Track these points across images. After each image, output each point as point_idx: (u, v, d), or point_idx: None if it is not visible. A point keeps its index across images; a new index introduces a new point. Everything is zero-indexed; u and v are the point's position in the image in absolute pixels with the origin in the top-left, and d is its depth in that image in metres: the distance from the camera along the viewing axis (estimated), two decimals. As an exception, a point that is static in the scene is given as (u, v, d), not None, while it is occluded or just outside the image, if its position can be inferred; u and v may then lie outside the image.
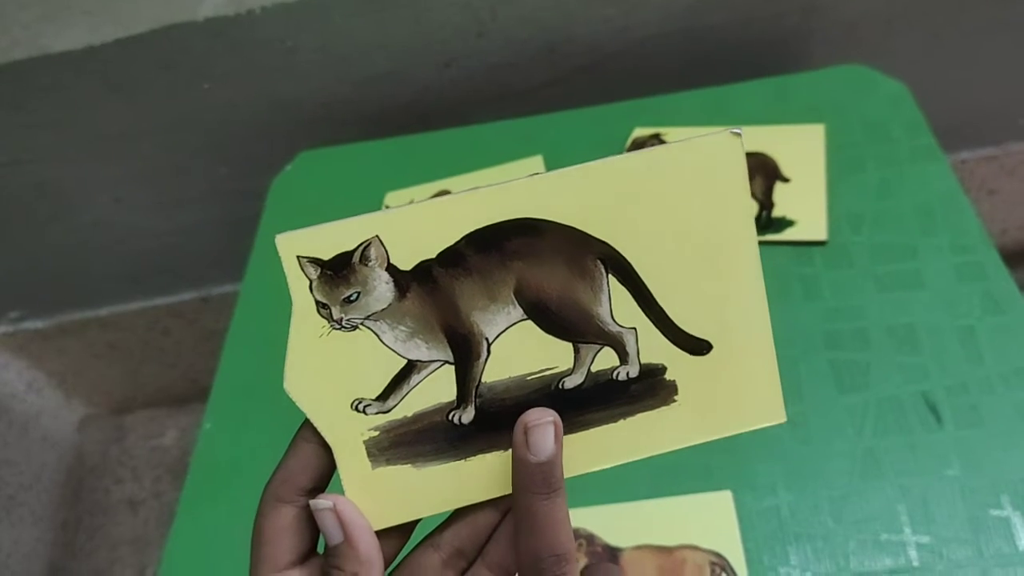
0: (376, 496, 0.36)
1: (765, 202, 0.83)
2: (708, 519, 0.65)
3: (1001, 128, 1.27)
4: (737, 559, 0.63)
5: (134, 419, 1.68)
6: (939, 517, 0.63)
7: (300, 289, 0.35)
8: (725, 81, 0.95)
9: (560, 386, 0.36)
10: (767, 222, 0.81)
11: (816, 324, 0.75)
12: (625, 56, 1.05)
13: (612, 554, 0.64)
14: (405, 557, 0.37)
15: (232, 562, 0.73)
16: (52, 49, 0.97)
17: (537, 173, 0.35)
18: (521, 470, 0.34)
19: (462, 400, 0.36)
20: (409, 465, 0.36)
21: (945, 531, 0.62)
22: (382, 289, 0.35)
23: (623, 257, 0.35)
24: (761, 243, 0.78)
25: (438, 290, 0.35)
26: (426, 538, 0.37)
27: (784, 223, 0.81)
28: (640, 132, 0.91)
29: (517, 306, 0.35)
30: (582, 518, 0.66)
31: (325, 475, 0.36)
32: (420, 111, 1.08)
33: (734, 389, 0.37)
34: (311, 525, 0.35)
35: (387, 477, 0.36)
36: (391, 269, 0.35)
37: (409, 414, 0.36)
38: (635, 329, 0.36)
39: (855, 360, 0.72)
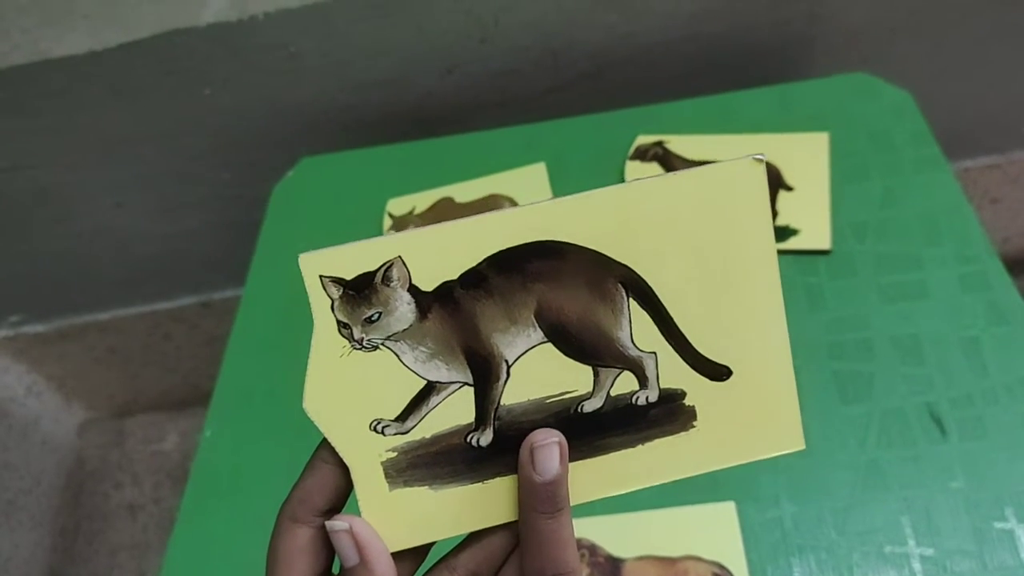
0: (393, 518, 0.36)
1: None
2: (711, 530, 0.65)
3: (1004, 136, 1.27)
4: (740, 570, 0.62)
5: (134, 423, 1.68)
6: (943, 529, 0.63)
7: (322, 308, 0.35)
8: (728, 89, 0.95)
9: (579, 410, 0.36)
10: (770, 231, 0.81)
11: (820, 334, 0.74)
12: (628, 63, 1.04)
13: (615, 564, 0.64)
14: None
15: (232, 568, 0.73)
16: (53, 54, 0.97)
17: (559, 197, 0.35)
18: (527, 489, 0.34)
19: (480, 422, 0.36)
20: (426, 487, 0.36)
21: (949, 543, 0.62)
22: (403, 310, 0.35)
23: (644, 281, 0.35)
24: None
25: (459, 311, 0.35)
26: (441, 560, 0.36)
27: (788, 232, 0.81)
28: (643, 139, 0.91)
29: (537, 329, 0.35)
30: (585, 528, 0.66)
31: (342, 496, 0.36)
32: (422, 117, 1.08)
33: (753, 416, 0.37)
34: (327, 546, 0.35)
35: (404, 499, 0.36)
36: (413, 290, 0.35)
37: (427, 436, 0.35)
38: (655, 354, 0.36)
39: (859, 371, 0.71)
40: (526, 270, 0.35)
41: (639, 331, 0.36)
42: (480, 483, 0.36)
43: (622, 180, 0.88)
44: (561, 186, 0.91)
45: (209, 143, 1.11)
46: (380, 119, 1.08)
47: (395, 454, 0.35)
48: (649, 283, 0.35)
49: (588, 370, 0.36)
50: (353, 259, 0.34)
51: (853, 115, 0.89)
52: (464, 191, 0.93)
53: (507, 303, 0.35)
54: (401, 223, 0.91)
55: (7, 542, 1.40)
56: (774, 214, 0.82)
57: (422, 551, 0.37)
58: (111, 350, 1.47)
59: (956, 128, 1.17)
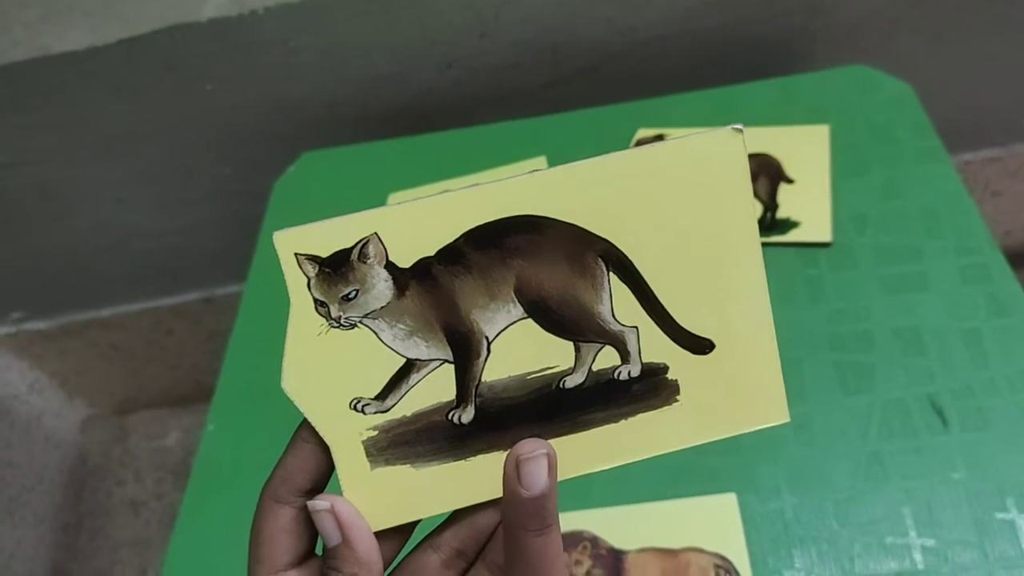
0: (375, 496, 0.35)
1: (769, 203, 0.82)
2: (713, 522, 0.65)
3: (1005, 129, 1.27)
4: (741, 562, 0.63)
5: (136, 420, 1.68)
6: (944, 520, 0.63)
7: (298, 287, 0.34)
8: (729, 82, 0.95)
9: (561, 385, 0.35)
10: (771, 223, 0.81)
11: (820, 326, 0.74)
12: (628, 57, 1.04)
13: (617, 557, 0.64)
14: (404, 558, 0.36)
15: (234, 564, 0.73)
16: (54, 50, 0.97)
17: (537, 170, 0.34)
18: (512, 505, 0.33)
19: (461, 400, 0.35)
20: (408, 465, 0.35)
21: (950, 534, 0.62)
22: (381, 287, 0.34)
23: (624, 255, 0.35)
24: (765, 244, 0.78)
25: (437, 288, 0.35)
26: (425, 539, 0.36)
27: (788, 224, 0.81)
28: (643, 133, 0.91)
29: (517, 304, 0.35)
30: (586, 521, 0.66)
31: (324, 476, 0.35)
32: (423, 112, 1.08)
33: (737, 389, 0.36)
34: (309, 526, 0.34)
35: (386, 477, 0.35)
36: (390, 267, 0.34)
37: (408, 414, 0.35)
38: (636, 328, 0.36)
39: (860, 362, 0.71)
40: (504, 245, 0.34)
41: (620, 305, 0.35)
42: (463, 460, 0.35)
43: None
44: (562, 180, 0.91)
45: (210, 138, 1.11)
46: (381, 114, 1.08)
47: (376, 433, 0.35)
48: (630, 257, 0.35)
49: (569, 345, 0.35)
50: (329, 236, 0.34)
51: (854, 107, 0.89)
52: (465, 185, 0.92)
53: (486, 279, 0.35)
54: (402, 217, 0.91)
55: (10, 538, 1.40)
56: (775, 206, 0.82)
57: (406, 530, 0.36)
58: (113, 346, 1.48)
59: (957, 121, 1.16)
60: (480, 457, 0.35)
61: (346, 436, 0.35)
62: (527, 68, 1.05)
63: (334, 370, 0.35)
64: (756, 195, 0.83)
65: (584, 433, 0.36)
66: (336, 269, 0.34)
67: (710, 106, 0.93)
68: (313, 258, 0.34)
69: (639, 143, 0.90)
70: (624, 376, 0.36)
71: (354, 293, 0.34)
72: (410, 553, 0.36)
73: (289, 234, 0.34)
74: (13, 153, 1.09)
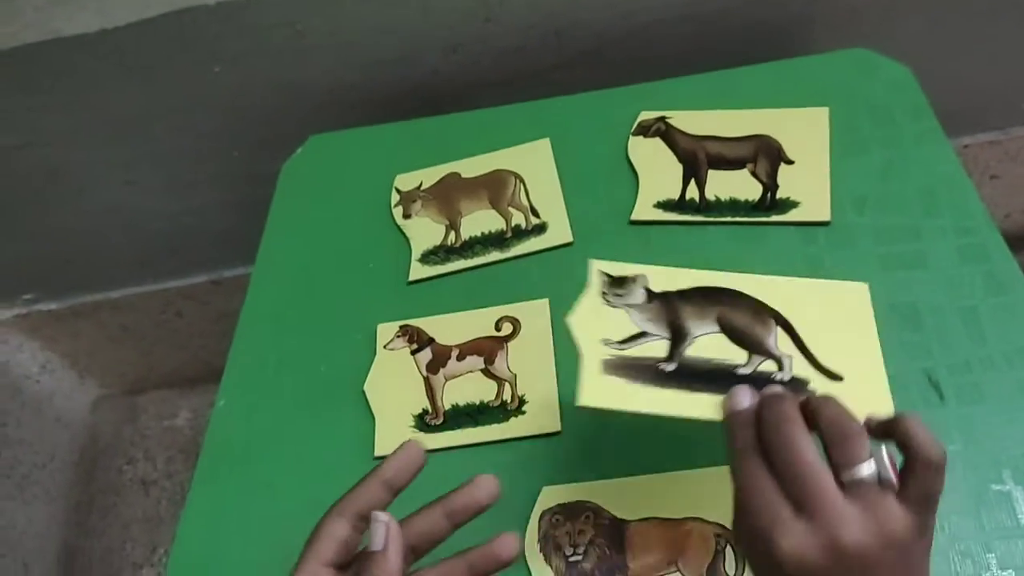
0: (603, 389, 0.58)
1: (769, 184, 0.83)
2: (714, 493, 0.65)
3: (1004, 113, 1.27)
4: None
5: (147, 400, 1.70)
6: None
7: (595, 284, 0.63)
8: (729, 65, 0.96)
9: (735, 371, 0.59)
10: (771, 203, 0.82)
11: (819, 303, 0.75)
12: (630, 41, 1.05)
13: (619, 526, 0.66)
14: None
15: (244, 539, 0.75)
16: (64, 32, 0.98)
17: (744, 274, 0.64)
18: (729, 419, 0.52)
19: (670, 359, 0.60)
20: (625, 380, 0.59)
21: (946, 505, 0.62)
22: (638, 294, 0.62)
23: (787, 320, 0.62)
24: (765, 224, 0.79)
25: (670, 304, 0.62)
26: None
27: (788, 204, 0.82)
28: (646, 115, 0.92)
29: (715, 324, 0.61)
30: (590, 492, 0.68)
31: (378, 510, 0.45)
32: (428, 95, 1.09)
33: (856, 407, 0.49)
34: (353, 541, 0.45)
35: (609, 381, 0.59)
36: (647, 289, 0.63)
37: (636, 356, 0.60)
38: (791, 356, 0.60)
39: (858, 338, 0.72)
40: (714, 297, 0.63)
41: (782, 345, 0.61)
42: (658, 388, 0.58)
43: (626, 155, 0.90)
44: (566, 161, 0.92)
45: (219, 121, 1.12)
46: (387, 97, 1.09)
47: (613, 358, 0.60)
48: (791, 322, 0.61)
49: (745, 353, 0.60)
50: (623, 269, 0.64)
51: (853, 90, 0.90)
52: (470, 166, 0.94)
53: (700, 309, 0.62)
54: (408, 198, 0.93)
55: (22, 516, 1.42)
56: (775, 187, 0.83)
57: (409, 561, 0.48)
58: (123, 328, 1.49)
59: (956, 105, 1.17)
60: (669, 390, 0.58)
61: (596, 355, 0.60)
62: (531, 52, 1.06)
63: (604, 325, 0.61)
64: (756, 176, 0.85)
65: None
66: (619, 281, 0.63)
67: (711, 89, 0.94)
68: (607, 274, 0.64)
69: (641, 125, 0.91)
70: (779, 379, 0.59)
71: (623, 293, 0.62)
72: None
73: (601, 263, 0.64)
74: (24, 135, 1.11)
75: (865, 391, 0.57)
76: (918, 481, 0.46)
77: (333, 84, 1.08)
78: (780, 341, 0.61)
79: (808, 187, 0.83)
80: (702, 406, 0.56)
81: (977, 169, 1.34)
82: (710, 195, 0.84)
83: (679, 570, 0.64)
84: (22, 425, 1.46)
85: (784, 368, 0.59)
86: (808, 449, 0.45)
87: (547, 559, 0.65)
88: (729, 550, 0.63)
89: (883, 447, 0.46)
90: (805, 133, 0.87)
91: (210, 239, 1.32)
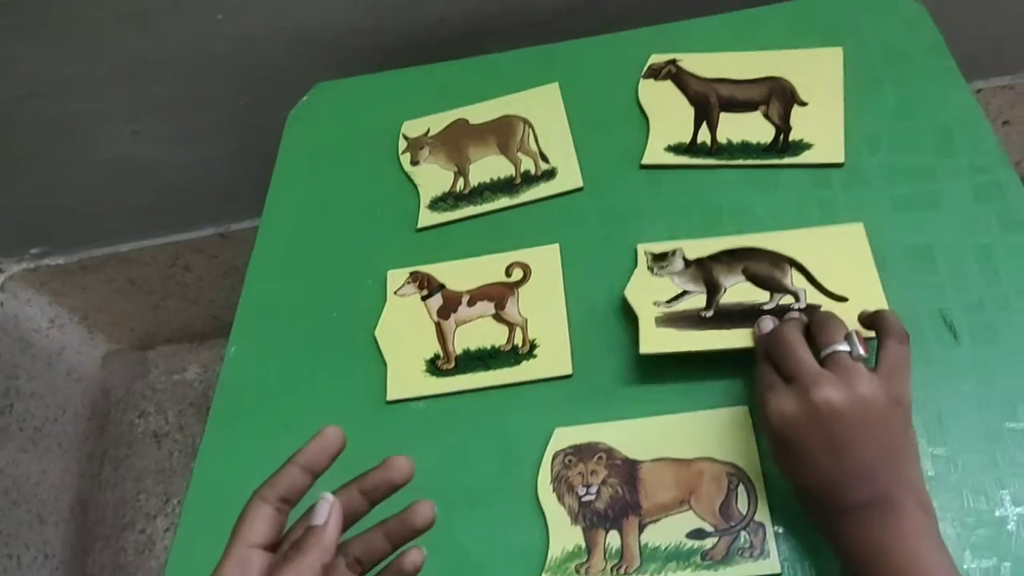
0: (658, 338, 0.70)
1: (782, 126, 0.83)
2: (725, 433, 0.66)
3: (1017, 57, 1.26)
4: (754, 471, 0.64)
5: (156, 354, 1.71)
6: (954, 429, 0.64)
7: (644, 264, 0.76)
8: (741, 6, 0.94)
9: (760, 308, 0.70)
10: (784, 146, 0.81)
11: (833, 245, 0.75)
12: (640, -17, 1.04)
13: (631, 466, 0.66)
14: None
15: (256, 481, 0.74)
16: (64, -21, 0.96)
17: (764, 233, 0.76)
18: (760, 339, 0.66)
19: (708, 306, 0.71)
20: (675, 329, 0.70)
21: (960, 443, 0.63)
22: (678, 263, 0.74)
23: (802, 264, 0.72)
24: (778, 167, 0.79)
25: (704, 267, 0.74)
26: (339, 547, 0.49)
27: (801, 146, 0.81)
28: (656, 58, 0.91)
29: (741, 275, 0.73)
30: (602, 433, 0.68)
31: (297, 496, 0.48)
32: (436, 40, 1.08)
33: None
34: (278, 525, 0.47)
35: (663, 332, 0.70)
36: (684, 259, 0.75)
37: (681, 309, 0.72)
38: (805, 290, 0.71)
39: (871, 278, 0.72)
40: (739, 255, 0.74)
41: (797, 282, 0.71)
42: (701, 331, 0.70)
43: (636, 99, 0.89)
44: (575, 106, 0.91)
45: (223, 69, 1.11)
46: (394, 43, 1.08)
47: (663, 314, 0.71)
48: (805, 265, 0.72)
49: (767, 293, 0.71)
50: (661, 247, 0.76)
51: (867, 29, 0.89)
52: (478, 112, 0.93)
53: (727, 266, 0.73)
54: (416, 145, 0.92)
55: (36, 468, 1.44)
56: (788, 129, 0.82)
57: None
58: (132, 282, 1.49)
59: (968, 49, 1.15)
60: (710, 331, 0.70)
61: (651, 313, 0.71)
62: (539, -5, 1.04)
63: (653, 291, 0.73)
64: (768, 118, 0.84)
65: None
66: (661, 256, 0.75)
67: (723, 31, 0.93)
68: (651, 252, 0.76)
69: (651, 68, 0.90)
70: (796, 307, 0.70)
71: (665, 264, 0.74)
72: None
73: (646, 245, 0.77)
74: (27, 84, 1.10)
75: (865, 305, 0.67)
76: (887, 353, 0.59)
77: (339, 30, 1.06)
78: (795, 279, 0.72)
79: (821, 129, 0.82)
80: (738, 338, 0.68)
81: (989, 115, 1.32)
82: (722, 138, 0.84)
83: (691, 508, 0.64)
84: (33, 378, 1.47)
85: (800, 300, 0.70)
86: (796, 341, 0.60)
87: (560, 498, 0.66)
88: (741, 489, 0.64)
89: (855, 332, 0.59)
90: (818, 74, 0.85)
91: (217, 191, 1.32)
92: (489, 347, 0.76)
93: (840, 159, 0.79)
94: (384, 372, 0.76)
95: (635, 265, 0.76)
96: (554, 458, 0.68)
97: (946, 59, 0.85)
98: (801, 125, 0.82)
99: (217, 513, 0.73)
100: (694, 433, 0.67)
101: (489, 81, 0.96)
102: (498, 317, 0.78)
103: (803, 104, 0.84)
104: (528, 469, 0.68)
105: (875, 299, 0.69)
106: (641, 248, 0.77)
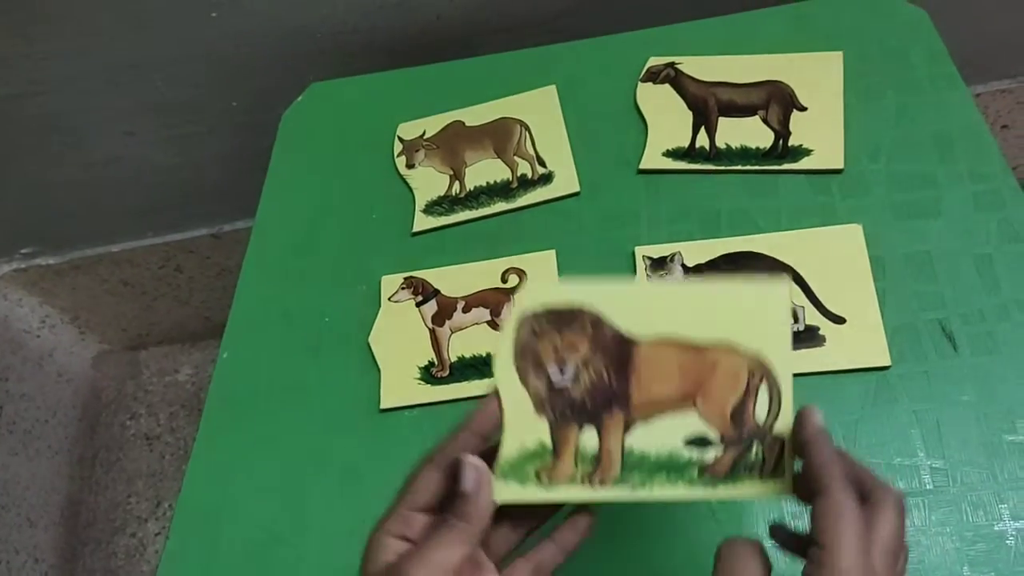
0: None
1: (781, 131, 0.82)
2: (756, 314, 0.49)
3: (1016, 61, 1.25)
4: (783, 368, 0.48)
5: (148, 355, 1.69)
6: (953, 442, 0.63)
7: (641, 269, 0.75)
8: (741, 9, 0.94)
9: None
10: (783, 151, 0.81)
11: (832, 252, 0.74)
12: (638, -15, 1.03)
13: (624, 345, 0.49)
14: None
15: (249, 490, 0.74)
16: (58, -22, 0.95)
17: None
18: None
19: None
20: None
21: (959, 455, 0.63)
22: (677, 272, 0.74)
23: (799, 273, 0.72)
24: (777, 172, 0.79)
25: (702, 275, 0.73)
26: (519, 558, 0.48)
27: (800, 152, 0.80)
28: (655, 61, 0.90)
29: None
30: (592, 295, 0.49)
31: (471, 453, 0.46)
32: (431, 41, 1.07)
33: (858, 343, 0.68)
34: (444, 489, 0.45)
35: None
36: (683, 265, 0.74)
37: None
38: (804, 307, 0.70)
39: (871, 287, 0.72)
40: (739, 262, 0.73)
41: (796, 298, 0.70)
42: None
43: (634, 102, 0.88)
44: (572, 109, 0.90)
45: (217, 69, 1.10)
46: (389, 43, 1.07)
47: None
48: (803, 276, 0.71)
49: None
50: (658, 250, 0.76)
51: (868, 34, 0.88)
52: (475, 115, 0.92)
53: (727, 275, 0.70)
54: (411, 147, 0.91)
55: (26, 471, 1.42)
56: (787, 134, 0.81)
57: (531, 521, 0.49)
58: (123, 282, 1.48)
59: (967, 53, 1.14)
60: None
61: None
62: (537, -4, 1.03)
63: None
64: (767, 123, 0.83)
65: None
66: (660, 261, 0.75)
67: (722, 33, 0.92)
68: (649, 257, 0.76)
69: (650, 71, 0.89)
70: (794, 329, 0.67)
71: (663, 272, 0.74)
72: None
73: (644, 248, 0.76)
74: (19, 83, 1.09)
75: (863, 328, 0.69)
76: (882, 527, 0.43)
77: (334, 30, 1.05)
78: (794, 295, 0.69)
79: (821, 134, 0.81)
80: None
81: (988, 118, 1.32)
82: (720, 143, 0.83)
83: (696, 408, 0.49)
84: (24, 380, 1.46)
85: (799, 320, 0.69)
86: None
87: (523, 378, 0.48)
88: (763, 390, 0.48)
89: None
90: (818, 78, 0.85)
91: (210, 191, 1.31)
92: (484, 354, 0.75)
93: (840, 165, 0.79)
94: (378, 379, 0.75)
95: (633, 270, 0.75)
96: (520, 323, 0.48)
97: (947, 65, 0.84)
98: (800, 130, 0.82)
99: (208, 518, 0.74)
100: (716, 310, 0.49)
101: (486, 83, 0.95)
102: (494, 324, 0.77)
103: (802, 109, 0.83)
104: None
105: (871, 318, 0.69)
106: (640, 251, 0.75)
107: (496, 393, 0.47)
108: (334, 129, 0.97)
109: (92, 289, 1.49)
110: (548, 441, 0.48)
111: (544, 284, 0.53)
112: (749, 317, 0.48)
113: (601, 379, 0.48)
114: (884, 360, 0.67)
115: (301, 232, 0.89)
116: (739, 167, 0.81)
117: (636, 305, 0.49)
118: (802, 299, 0.71)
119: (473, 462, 0.44)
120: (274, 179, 0.95)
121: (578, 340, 0.48)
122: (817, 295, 0.71)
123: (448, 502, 0.45)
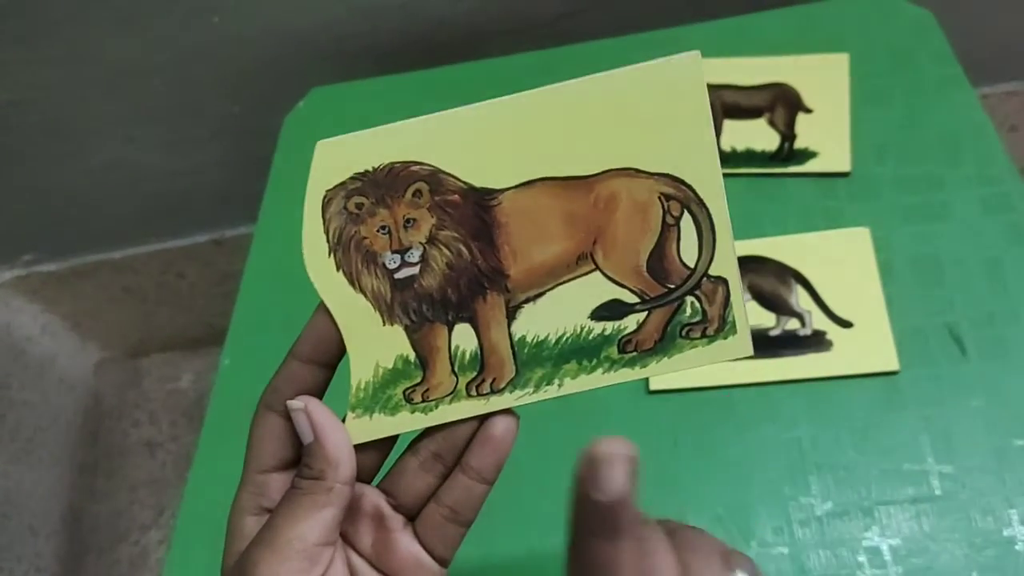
0: None
1: (787, 133, 0.81)
2: (658, 109, 0.36)
3: (1024, 63, 1.25)
4: (710, 183, 0.36)
5: (150, 363, 1.69)
6: (962, 447, 0.63)
7: None
8: (746, 11, 0.93)
9: (767, 335, 0.69)
10: (789, 154, 0.80)
11: (839, 256, 0.74)
12: (642, -13, 1.02)
13: (479, 202, 0.36)
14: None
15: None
16: (58, -18, 0.95)
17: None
18: (581, 507, 0.29)
19: None
20: None
21: (968, 461, 0.62)
22: None
23: (805, 277, 0.71)
24: (782, 175, 0.78)
25: None
26: (407, 446, 0.39)
27: (807, 155, 0.80)
28: (659, 64, 0.89)
29: (747, 292, 0.70)
30: (415, 139, 0.39)
31: (311, 390, 0.37)
32: (434, 45, 1.07)
33: (866, 348, 0.67)
34: (294, 436, 0.36)
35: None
36: None
37: None
38: (811, 312, 0.69)
39: (879, 291, 0.71)
40: (746, 266, 0.69)
41: (803, 302, 0.70)
42: None
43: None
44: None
45: (218, 73, 1.09)
46: (391, 48, 1.07)
47: None
48: (807, 278, 0.71)
49: (773, 315, 0.69)
50: None
51: (873, 36, 0.88)
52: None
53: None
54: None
55: (27, 479, 1.42)
56: (793, 136, 0.81)
57: (387, 444, 0.39)
58: (125, 289, 1.48)
59: (975, 54, 1.14)
60: None
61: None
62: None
63: None
64: (773, 125, 0.82)
65: (775, 360, 0.68)
66: None
67: (726, 36, 0.91)
68: None
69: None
70: (802, 333, 0.68)
71: None
72: (396, 461, 0.40)
73: None
74: (19, 89, 1.08)
75: (870, 334, 0.68)
76: None
77: (335, 34, 1.05)
78: (800, 298, 0.70)
79: (827, 137, 0.80)
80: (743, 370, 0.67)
81: (995, 120, 1.30)
82: (725, 146, 0.82)
83: (596, 266, 0.37)
84: (25, 388, 1.45)
85: (805, 324, 0.69)
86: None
87: (352, 280, 0.37)
88: (687, 221, 0.36)
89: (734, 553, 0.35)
90: (824, 81, 0.84)
91: (212, 197, 1.30)
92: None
93: (846, 168, 0.78)
94: (379, 385, 0.75)
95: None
96: (327, 202, 0.37)
97: (954, 67, 0.83)
98: (806, 133, 0.81)
99: (211, 526, 0.72)
100: (598, 118, 0.37)
101: (488, 86, 0.93)
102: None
103: (808, 111, 0.83)
104: (526, 485, 0.66)
105: (879, 322, 0.68)
106: None
107: (324, 308, 0.37)
108: (336, 134, 0.96)
109: (93, 296, 1.48)
110: (410, 352, 0.37)
111: (339, 140, 0.38)
112: (648, 118, 0.36)
113: (459, 256, 0.36)
114: (892, 365, 0.66)
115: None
116: (744, 170, 0.80)
117: (480, 140, 0.37)
118: (809, 303, 0.70)
119: (296, 405, 0.35)
120: (276, 184, 0.94)
121: (414, 210, 0.36)
122: (824, 299, 0.70)
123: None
